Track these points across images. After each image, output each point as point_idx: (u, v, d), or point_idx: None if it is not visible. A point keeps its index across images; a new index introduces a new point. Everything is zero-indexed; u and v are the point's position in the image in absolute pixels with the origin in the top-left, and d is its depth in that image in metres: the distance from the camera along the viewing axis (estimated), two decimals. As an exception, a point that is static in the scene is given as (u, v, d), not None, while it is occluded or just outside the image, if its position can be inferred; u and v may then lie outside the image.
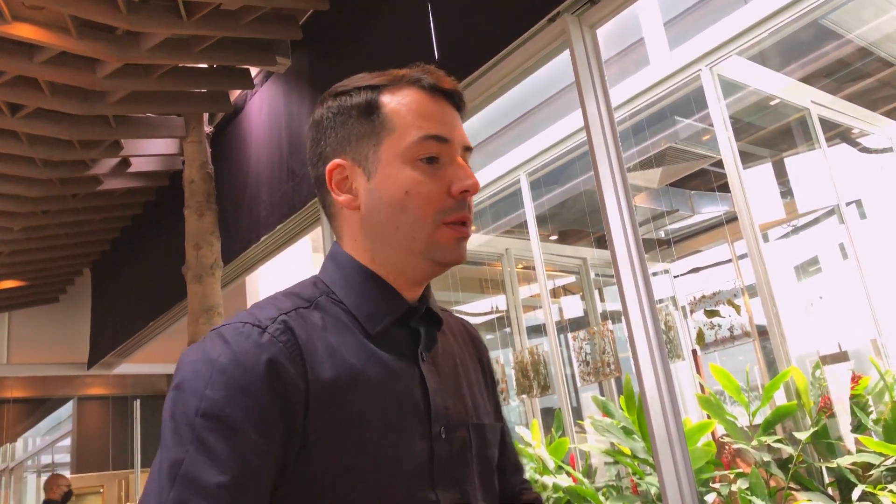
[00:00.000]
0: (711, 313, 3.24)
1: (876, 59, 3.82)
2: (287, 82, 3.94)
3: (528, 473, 3.24)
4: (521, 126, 4.34)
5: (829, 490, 2.58)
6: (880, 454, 2.40)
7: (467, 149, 0.94)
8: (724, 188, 3.19)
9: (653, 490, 2.78)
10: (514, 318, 4.49)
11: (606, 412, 3.23)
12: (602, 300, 4.96)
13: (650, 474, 2.84)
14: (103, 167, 4.78)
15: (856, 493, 2.34)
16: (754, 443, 2.65)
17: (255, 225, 4.14)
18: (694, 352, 3.63)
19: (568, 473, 3.29)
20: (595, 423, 3.05)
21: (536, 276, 4.16)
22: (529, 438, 3.49)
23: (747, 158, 3.63)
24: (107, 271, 6.72)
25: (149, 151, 4.75)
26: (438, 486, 0.85)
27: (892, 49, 3.80)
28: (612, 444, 2.97)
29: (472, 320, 4.58)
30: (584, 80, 2.48)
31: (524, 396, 4.00)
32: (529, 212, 4.16)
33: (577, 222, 5.07)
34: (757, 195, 3.12)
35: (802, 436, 2.59)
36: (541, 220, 4.28)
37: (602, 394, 4.29)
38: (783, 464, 2.63)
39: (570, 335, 3.93)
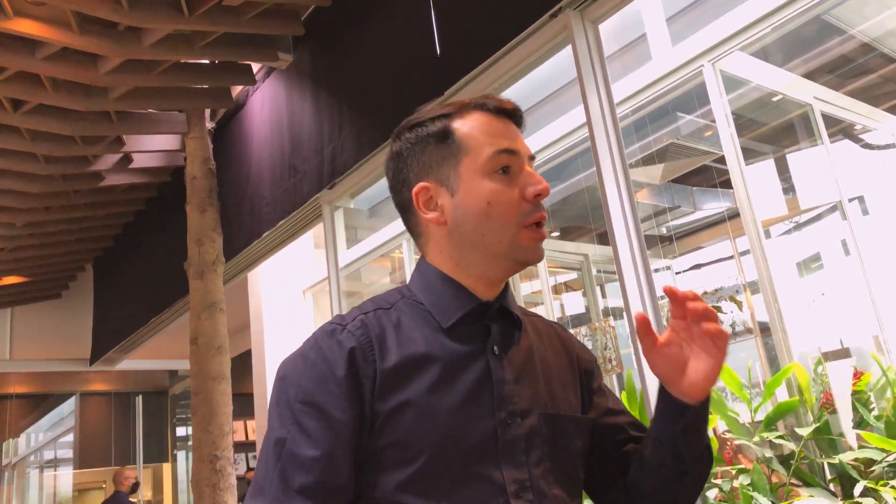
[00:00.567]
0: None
1: (879, 54, 3.81)
2: (289, 78, 3.94)
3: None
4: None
5: (831, 486, 2.58)
6: (882, 450, 2.40)
7: (531, 158, 1.06)
8: (727, 184, 3.19)
9: (654, 486, 2.78)
10: (516, 314, 4.46)
11: (608, 408, 3.22)
12: (604, 296, 4.96)
13: (652, 470, 2.83)
14: (105, 163, 4.78)
15: (858, 489, 2.34)
16: (756, 439, 2.65)
17: (256, 221, 4.14)
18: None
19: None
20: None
21: (538, 272, 4.16)
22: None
23: (749, 154, 3.62)
24: (109, 267, 6.72)
25: (151, 147, 4.75)
26: (504, 466, 0.93)
27: (895, 45, 3.79)
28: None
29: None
30: (586, 75, 2.48)
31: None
32: (531, 208, 4.14)
33: (578, 219, 5.06)
34: (759, 191, 3.11)
35: (804, 432, 2.59)
36: (543, 217, 4.27)
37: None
38: (785, 460, 2.63)
39: (571, 331, 3.92)
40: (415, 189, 1.04)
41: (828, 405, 2.64)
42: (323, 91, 3.64)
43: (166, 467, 11.43)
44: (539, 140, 4.04)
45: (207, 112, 4.38)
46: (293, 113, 3.87)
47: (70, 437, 11.47)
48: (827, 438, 2.61)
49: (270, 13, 3.52)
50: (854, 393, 2.65)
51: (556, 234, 5.10)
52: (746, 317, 3.17)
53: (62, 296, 7.50)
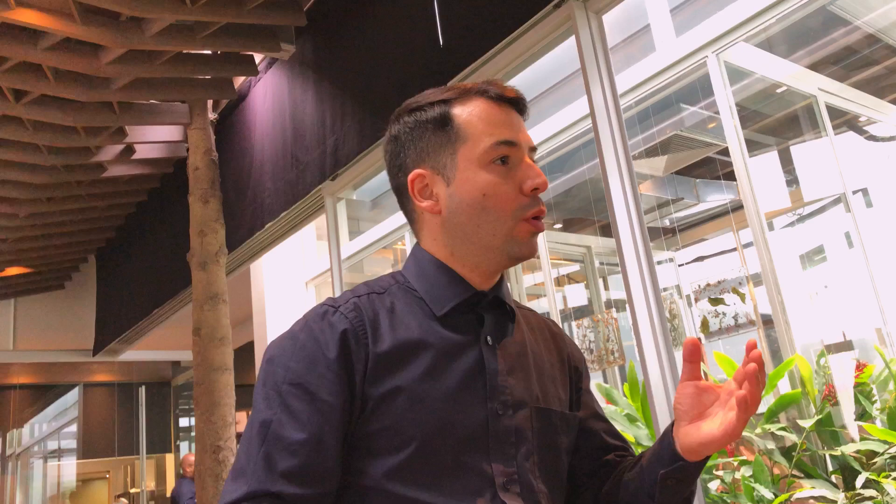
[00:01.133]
0: (716, 301, 3.24)
1: (884, 45, 3.79)
2: (291, 69, 3.93)
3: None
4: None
5: (833, 478, 2.58)
6: (884, 442, 2.40)
7: (532, 149, 1.03)
8: (730, 176, 3.18)
9: (656, 477, 2.79)
10: (519, 306, 4.46)
11: (610, 400, 3.23)
12: (606, 288, 4.96)
13: (653, 462, 2.84)
14: (108, 154, 4.78)
15: (859, 481, 2.34)
16: (758, 431, 2.66)
17: (259, 212, 4.14)
18: (698, 339, 3.63)
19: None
20: (599, 410, 3.05)
21: (541, 264, 4.16)
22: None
23: (753, 146, 3.61)
24: (112, 258, 6.73)
25: (153, 138, 4.74)
26: (493, 458, 0.92)
27: (900, 36, 3.77)
28: (615, 431, 2.97)
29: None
30: (589, 66, 2.47)
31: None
32: (534, 200, 4.14)
33: (581, 210, 5.05)
34: (763, 183, 3.11)
35: (806, 424, 2.59)
36: (545, 208, 4.26)
37: (606, 381, 4.29)
38: (787, 452, 2.64)
39: (574, 323, 3.93)
40: (410, 176, 1.01)
41: (830, 397, 2.64)
42: (325, 82, 3.63)
43: (169, 458, 11.48)
44: (542, 131, 4.03)
45: (210, 103, 4.37)
46: (295, 104, 3.86)
47: (73, 428, 11.52)
48: (829, 430, 2.61)
49: (273, 4, 3.51)
50: (856, 385, 2.65)
51: (558, 225, 5.09)
52: (749, 309, 3.16)
53: (65, 287, 7.51)
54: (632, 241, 2.29)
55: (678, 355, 3.29)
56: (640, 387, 3.02)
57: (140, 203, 5.84)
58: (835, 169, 3.38)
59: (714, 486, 2.70)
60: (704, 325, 3.28)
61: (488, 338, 0.98)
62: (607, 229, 2.51)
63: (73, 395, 11.61)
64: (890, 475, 2.33)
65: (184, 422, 11.57)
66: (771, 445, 2.64)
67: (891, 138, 4.04)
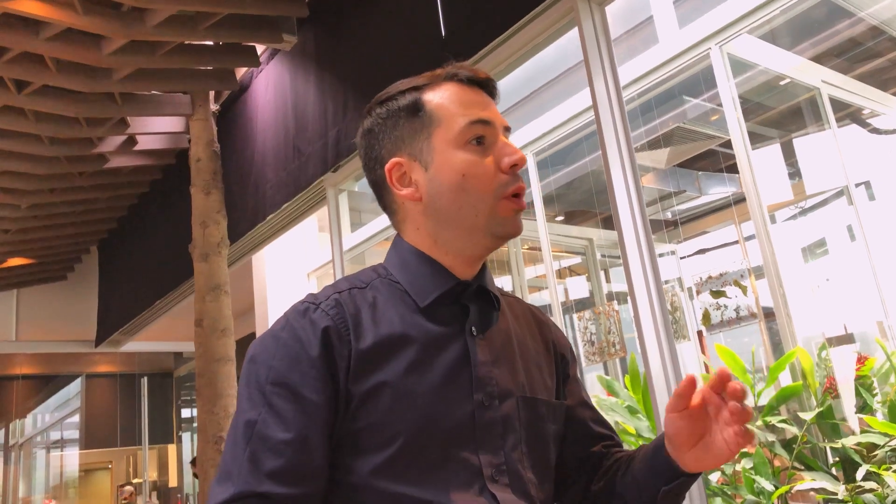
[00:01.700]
0: (718, 294, 3.24)
1: (888, 38, 3.77)
2: (293, 60, 3.92)
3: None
4: (529, 105, 4.32)
5: (833, 470, 2.59)
6: (885, 434, 2.40)
7: (507, 129, 1.02)
8: (732, 169, 3.18)
9: (657, 469, 2.79)
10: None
11: (611, 391, 3.24)
12: (608, 281, 4.96)
13: (654, 454, 2.85)
14: (110, 145, 4.78)
15: (860, 473, 2.34)
16: (759, 423, 2.66)
17: (261, 203, 4.14)
18: (699, 332, 3.63)
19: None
20: (600, 402, 3.06)
21: (542, 256, 4.16)
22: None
23: (756, 139, 3.60)
24: (114, 249, 6.74)
25: (155, 129, 4.74)
26: (481, 450, 0.91)
27: (904, 28, 3.75)
28: (616, 423, 2.98)
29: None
30: (592, 58, 2.46)
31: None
32: (536, 192, 4.14)
33: (583, 203, 5.05)
34: (765, 176, 3.10)
35: (807, 416, 2.59)
36: (547, 201, 4.27)
37: (607, 373, 4.30)
38: (787, 444, 2.64)
39: (575, 315, 3.93)
40: (387, 165, 1.00)
41: (831, 390, 2.64)
42: (327, 73, 3.62)
43: (171, 448, 11.53)
44: (545, 123, 4.03)
45: (212, 94, 4.37)
46: (297, 95, 3.86)
47: (76, 419, 11.57)
48: (830, 423, 2.61)
49: (275, -6, 3.50)
50: (857, 378, 2.65)
51: (560, 217, 5.09)
52: (751, 301, 3.16)
53: (67, 278, 7.52)
54: (634, 233, 2.29)
55: (679, 348, 3.30)
56: (641, 379, 3.03)
57: (142, 194, 5.84)
58: (837, 162, 3.37)
59: (715, 477, 2.70)
60: (706, 317, 3.28)
61: (473, 328, 0.97)
62: (609, 221, 2.51)
63: (75, 386, 11.66)
64: (890, 468, 2.33)
65: (186, 412, 11.61)
66: (772, 438, 2.64)
67: (894, 131, 4.03)
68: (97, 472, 11.73)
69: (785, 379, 2.89)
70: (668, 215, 4.84)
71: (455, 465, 0.89)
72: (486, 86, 1.03)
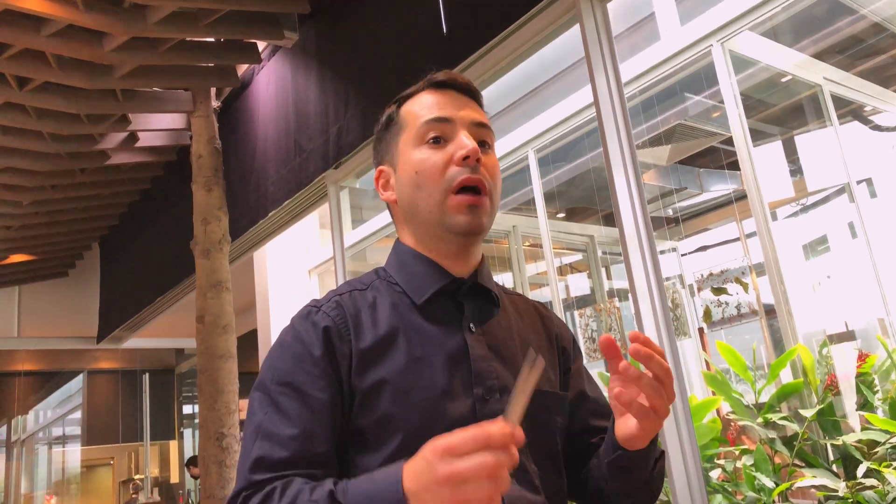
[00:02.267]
0: (719, 291, 3.24)
1: (890, 34, 3.77)
2: (294, 57, 3.92)
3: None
4: (530, 102, 4.31)
5: (834, 467, 2.59)
6: (886, 432, 2.41)
7: (480, 125, 1.03)
8: (734, 166, 3.17)
9: (657, 466, 2.80)
10: (521, 294, 4.47)
11: (612, 389, 3.23)
12: (609, 278, 4.96)
13: (655, 450, 2.85)
14: (111, 141, 4.78)
15: (861, 470, 2.35)
16: (759, 420, 2.66)
17: (262, 200, 4.14)
18: (701, 329, 3.64)
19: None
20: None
21: (543, 253, 4.16)
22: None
23: (757, 136, 3.60)
24: (115, 246, 6.74)
25: (156, 126, 4.74)
26: None
27: (907, 25, 3.74)
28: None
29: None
30: (593, 55, 2.46)
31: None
32: (537, 189, 4.14)
33: (584, 200, 5.05)
34: (766, 173, 3.10)
35: (808, 413, 2.59)
36: (548, 198, 4.27)
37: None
38: (788, 441, 2.64)
39: (576, 312, 3.93)
40: (374, 174, 1.09)
41: (832, 387, 2.65)
42: (328, 70, 3.62)
43: (173, 444, 11.54)
44: (546, 120, 4.03)
45: (213, 91, 4.36)
46: (298, 92, 3.86)
47: (78, 415, 11.58)
48: (830, 420, 2.61)
49: (276, -9, 3.50)
50: (858, 375, 2.65)
51: (561, 214, 5.09)
52: (752, 299, 3.16)
53: (69, 274, 7.53)
54: (635, 230, 2.28)
55: (680, 345, 3.30)
56: (642, 376, 3.02)
57: (143, 191, 5.84)
58: (839, 159, 3.37)
59: (715, 474, 2.71)
60: (707, 314, 3.28)
61: (471, 324, 0.99)
62: (610, 218, 2.51)
63: (77, 382, 11.67)
64: (891, 465, 2.34)
65: (187, 409, 11.62)
66: (772, 434, 2.64)
67: (895, 128, 4.03)
68: (99, 468, 11.75)
69: (786, 376, 2.89)
70: (670, 212, 4.84)
71: None
72: (454, 85, 1.05)
